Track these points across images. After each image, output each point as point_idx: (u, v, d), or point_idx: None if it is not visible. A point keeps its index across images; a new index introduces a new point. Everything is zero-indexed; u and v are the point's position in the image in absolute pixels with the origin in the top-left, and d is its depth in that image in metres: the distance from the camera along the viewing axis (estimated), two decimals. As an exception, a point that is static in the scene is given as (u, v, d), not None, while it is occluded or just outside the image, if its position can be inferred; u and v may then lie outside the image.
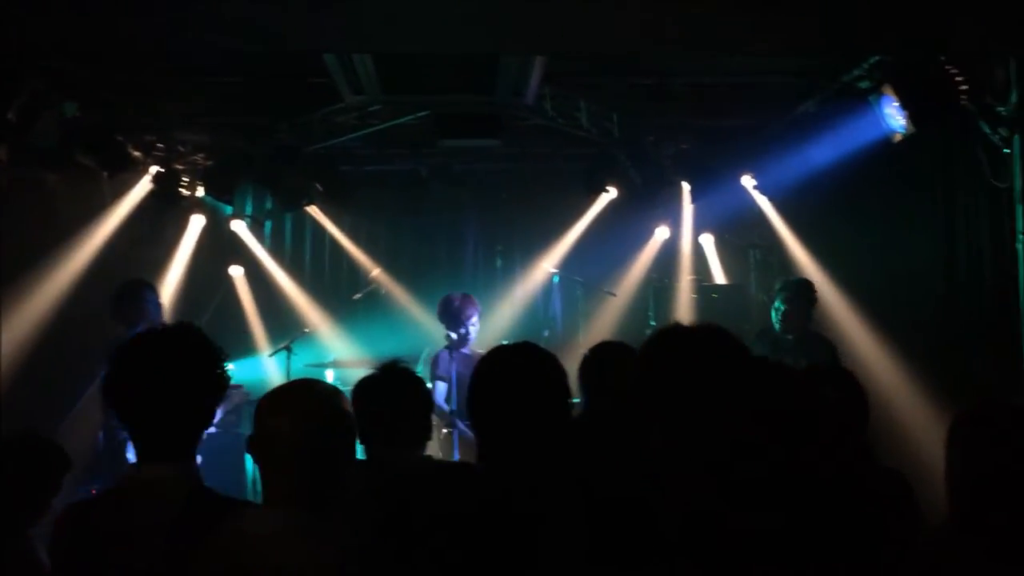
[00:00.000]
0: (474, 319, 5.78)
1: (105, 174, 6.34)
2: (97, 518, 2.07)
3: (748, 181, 7.30)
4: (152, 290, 5.55)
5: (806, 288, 5.75)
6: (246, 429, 6.75)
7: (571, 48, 5.00)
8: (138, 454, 2.14)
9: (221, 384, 2.19)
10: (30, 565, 2.77)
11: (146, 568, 1.93)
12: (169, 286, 7.27)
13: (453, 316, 5.71)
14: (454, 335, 5.64)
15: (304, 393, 2.08)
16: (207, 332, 2.21)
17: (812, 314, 5.71)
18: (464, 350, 5.71)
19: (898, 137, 5.40)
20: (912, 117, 5.17)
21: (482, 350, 5.55)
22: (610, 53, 5.51)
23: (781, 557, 1.43)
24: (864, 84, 5.60)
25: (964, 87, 4.89)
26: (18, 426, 3.50)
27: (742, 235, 8.13)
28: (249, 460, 6.28)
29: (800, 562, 1.43)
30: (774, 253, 7.86)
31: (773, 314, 5.63)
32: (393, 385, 2.82)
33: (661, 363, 1.88)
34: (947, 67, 4.90)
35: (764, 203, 7.42)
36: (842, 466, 2.34)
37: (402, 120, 6.57)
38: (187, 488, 2.05)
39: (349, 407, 2.10)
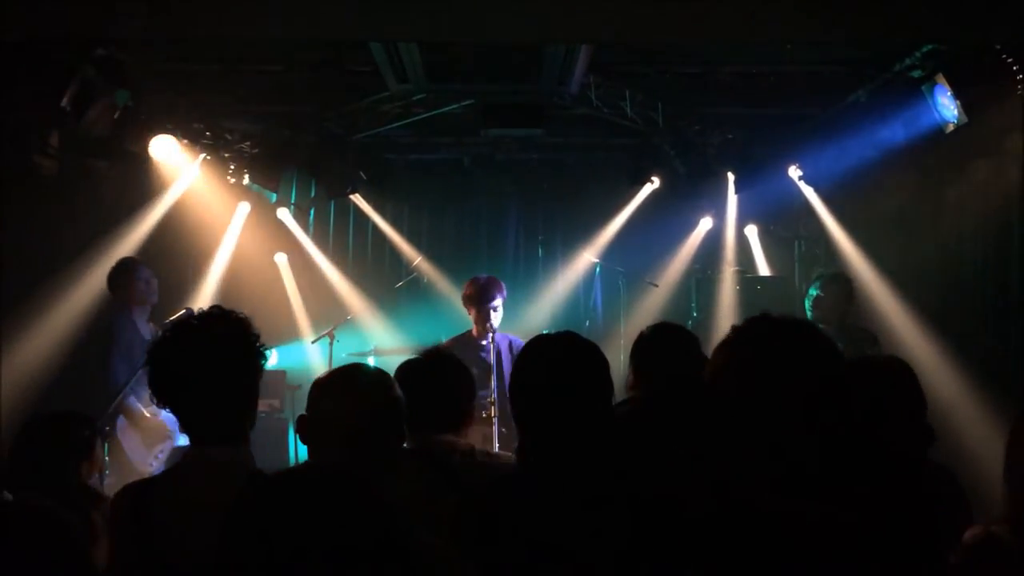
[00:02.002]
0: (497, 301, 5.45)
1: (153, 162, 6.44)
2: (155, 498, 2.11)
3: (794, 171, 7.20)
4: (142, 267, 5.61)
5: (843, 280, 5.79)
6: (288, 414, 6.85)
7: (616, 38, 4.97)
8: (190, 439, 2.18)
9: (259, 365, 2.22)
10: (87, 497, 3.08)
11: (203, 550, 1.96)
12: (215, 273, 7.37)
13: (476, 295, 5.48)
14: (476, 321, 5.48)
15: (355, 378, 2.12)
16: (252, 317, 2.24)
17: (850, 308, 5.71)
18: (483, 340, 5.44)
19: (951, 127, 5.30)
20: (965, 107, 5.07)
21: (520, 337, 5.53)
22: (656, 42, 5.47)
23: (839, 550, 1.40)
24: (916, 73, 5.49)
25: (1020, 76, 4.77)
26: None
27: (787, 226, 8.04)
28: (292, 443, 6.38)
29: (850, 555, 1.41)
30: (820, 245, 7.77)
31: (806, 302, 5.66)
32: (435, 370, 2.82)
33: (754, 351, 1.84)
34: (1003, 56, 4.78)
35: (810, 194, 7.32)
36: (899, 459, 2.29)
37: (446, 109, 6.58)
38: (242, 471, 2.08)
39: (399, 392, 2.13)
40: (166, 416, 5.19)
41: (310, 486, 1.23)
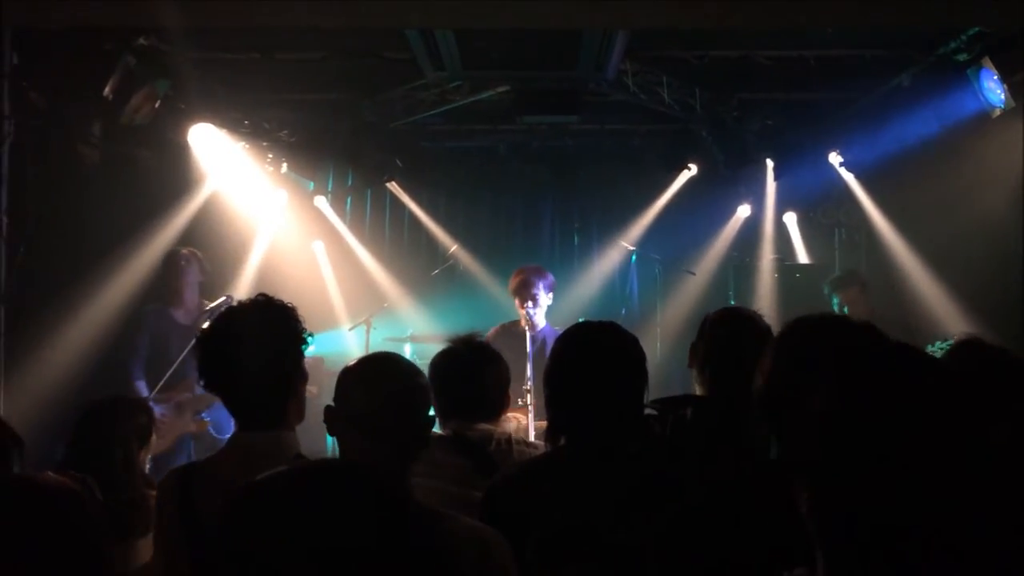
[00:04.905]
0: (539, 288, 5.43)
1: (193, 150, 6.51)
2: (197, 482, 2.15)
3: (835, 158, 7.10)
4: (185, 259, 5.81)
5: (847, 279, 5.93)
6: (327, 400, 6.89)
7: (653, 23, 4.92)
8: (236, 424, 2.23)
9: (301, 351, 2.25)
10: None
11: None
12: (254, 261, 7.43)
13: (516, 284, 5.49)
14: (520, 312, 5.48)
15: (383, 367, 2.11)
16: (295, 305, 2.28)
17: (870, 298, 5.84)
18: (528, 331, 5.34)
19: (997, 112, 5.19)
20: (1012, 90, 4.96)
21: (559, 327, 5.52)
22: (693, 27, 5.40)
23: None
24: (962, 57, 5.37)
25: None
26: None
27: (827, 213, 7.94)
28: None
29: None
30: (860, 232, 7.66)
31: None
32: (471, 359, 2.81)
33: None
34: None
35: (851, 180, 7.21)
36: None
37: (482, 96, 6.57)
38: (284, 457, 2.10)
39: (426, 382, 2.13)
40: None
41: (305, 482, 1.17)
